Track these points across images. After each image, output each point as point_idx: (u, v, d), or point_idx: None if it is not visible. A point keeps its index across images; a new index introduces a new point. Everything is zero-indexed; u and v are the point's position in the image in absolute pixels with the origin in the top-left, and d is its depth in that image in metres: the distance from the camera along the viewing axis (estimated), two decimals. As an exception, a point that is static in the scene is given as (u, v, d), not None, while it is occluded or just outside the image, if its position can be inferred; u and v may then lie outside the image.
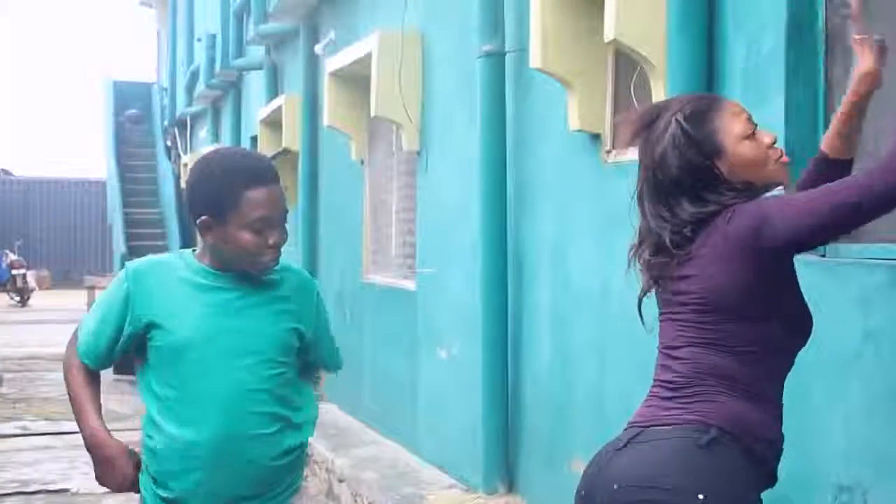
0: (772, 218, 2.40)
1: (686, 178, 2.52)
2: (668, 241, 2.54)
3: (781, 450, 2.57)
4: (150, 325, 2.90)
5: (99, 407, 3.00)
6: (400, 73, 7.08)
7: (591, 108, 4.94)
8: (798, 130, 3.59)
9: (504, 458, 5.82)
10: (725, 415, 2.44)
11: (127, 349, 2.98)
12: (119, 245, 19.82)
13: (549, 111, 5.36)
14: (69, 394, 3.04)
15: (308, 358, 3.14)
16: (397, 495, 6.35)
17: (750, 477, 2.45)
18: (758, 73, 3.75)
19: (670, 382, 2.55)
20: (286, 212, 2.94)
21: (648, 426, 2.50)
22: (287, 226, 2.97)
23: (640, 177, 2.65)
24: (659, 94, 4.25)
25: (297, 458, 3.05)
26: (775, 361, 2.53)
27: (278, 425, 2.95)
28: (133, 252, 19.27)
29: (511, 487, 5.82)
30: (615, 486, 2.44)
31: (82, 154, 64.67)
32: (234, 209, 2.82)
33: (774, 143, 2.54)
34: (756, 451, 2.47)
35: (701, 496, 2.35)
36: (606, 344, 4.86)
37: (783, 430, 2.58)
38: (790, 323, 2.52)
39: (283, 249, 2.96)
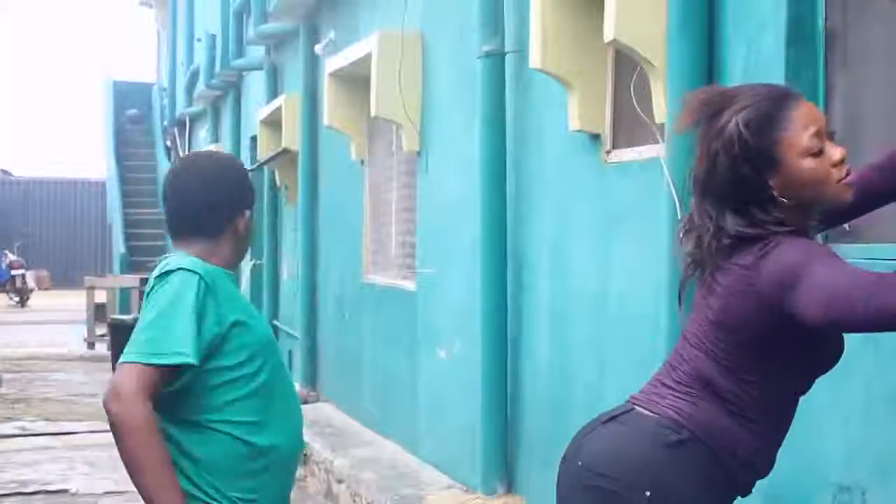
0: (799, 287, 2.22)
1: (734, 190, 2.35)
2: (706, 244, 2.39)
3: (761, 472, 2.49)
4: (235, 323, 2.75)
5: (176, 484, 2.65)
6: (400, 73, 7.08)
7: (590, 108, 4.94)
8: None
9: (503, 458, 5.82)
10: (703, 421, 2.40)
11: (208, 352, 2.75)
12: (119, 245, 19.82)
13: (549, 111, 5.36)
14: (142, 458, 2.57)
15: None
16: (396, 496, 6.35)
17: (712, 486, 2.40)
18: (758, 73, 3.75)
19: (674, 371, 2.51)
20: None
21: (637, 407, 2.50)
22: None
23: (696, 162, 2.43)
24: (659, 94, 4.25)
25: None
26: (778, 393, 2.44)
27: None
28: (133, 252, 19.29)
29: (510, 488, 5.82)
30: (579, 464, 2.48)
31: (82, 154, 64.70)
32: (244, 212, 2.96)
33: (843, 160, 2.32)
34: (725, 464, 2.41)
35: (648, 493, 2.35)
36: (606, 344, 4.85)
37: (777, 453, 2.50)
38: (801, 368, 2.44)
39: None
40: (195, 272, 2.70)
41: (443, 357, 6.80)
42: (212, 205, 2.87)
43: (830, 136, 2.33)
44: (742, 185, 2.33)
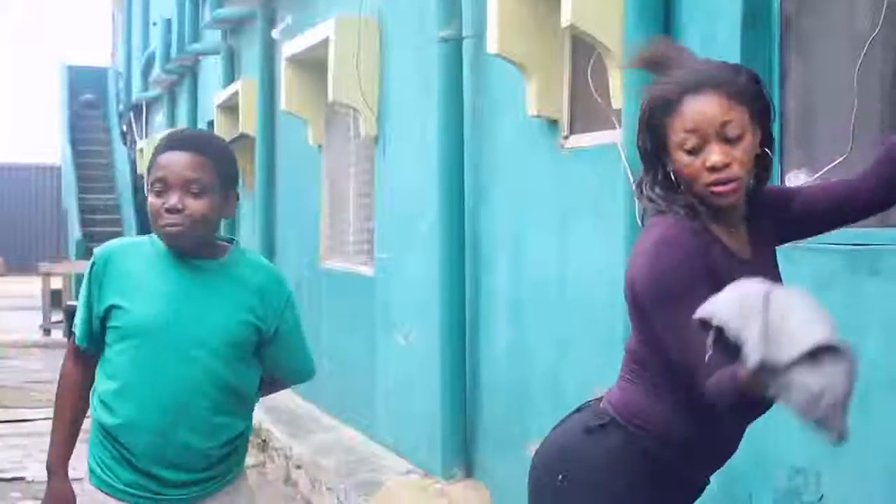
0: (637, 285, 2.33)
1: (640, 154, 2.44)
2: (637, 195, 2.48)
3: (708, 464, 2.46)
4: (111, 307, 2.90)
5: (74, 434, 3.02)
6: (357, 58, 7.06)
7: (548, 93, 4.95)
8: (753, 116, 3.60)
9: (462, 443, 5.83)
10: (624, 404, 2.42)
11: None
12: (74, 231, 19.63)
13: (507, 97, 5.36)
14: (55, 405, 3.05)
15: (265, 363, 3.07)
16: (355, 481, 6.35)
17: (630, 470, 2.39)
18: (711, 55, 3.75)
19: (623, 361, 2.52)
20: (198, 182, 2.83)
21: (589, 403, 2.55)
22: (206, 201, 2.85)
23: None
24: (615, 79, 4.26)
25: (239, 447, 3.04)
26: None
27: (222, 417, 2.94)
28: (88, 238, 19.12)
29: (469, 472, 5.83)
30: (532, 454, 2.57)
31: (36, 139, 64.04)
32: (147, 176, 2.91)
33: (715, 168, 2.29)
34: (649, 448, 2.39)
35: (560, 476, 2.42)
36: (563, 329, 4.87)
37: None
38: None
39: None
40: (98, 250, 2.98)
41: (401, 342, 6.80)
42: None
43: (728, 139, 2.29)
44: (643, 152, 2.42)
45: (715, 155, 2.28)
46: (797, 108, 3.68)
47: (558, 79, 4.97)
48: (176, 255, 2.92)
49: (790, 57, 3.66)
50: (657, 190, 2.38)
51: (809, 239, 3.28)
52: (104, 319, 2.93)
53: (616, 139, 4.27)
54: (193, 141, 2.93)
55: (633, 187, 2.49)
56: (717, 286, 2.18)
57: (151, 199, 2.86)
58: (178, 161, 2.84)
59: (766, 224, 2.46)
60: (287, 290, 3.05)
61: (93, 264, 2.95)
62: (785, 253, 3.34)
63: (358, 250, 8.00)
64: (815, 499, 3.29)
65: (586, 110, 4.79)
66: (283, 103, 8.76)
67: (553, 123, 4.97)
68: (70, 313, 13.98)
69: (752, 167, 2.34)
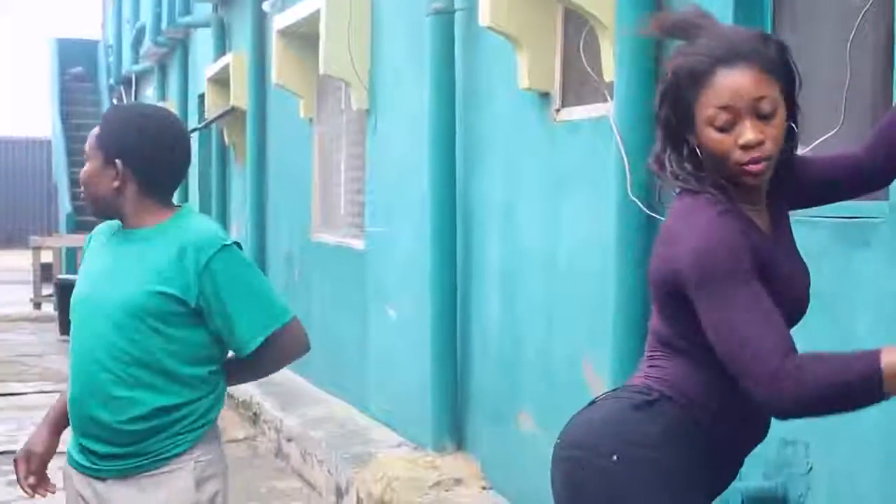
0: (684, 267, 2.19)
1: (660, 125, 2.32)
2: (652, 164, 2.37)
3: (740, 424, 2.35)
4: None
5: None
6: (349, 30, 7.03)
7: (540, 66, 4.94)
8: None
9: (453, 416, 5.85)
10: (671, 378, 2.31)
11: None
12: (65, 205, 19.58)
13: (499, 69, 5.35)
14: None
15: (214, 330, 2.91)
16: (346, 454, 6.37)
17: (685, 445, 2.29)
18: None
19: (649, 336, 2.42)
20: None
21: (619, 388, 2.44)
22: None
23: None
24: (608, 52, 4.25)
25: (167, 425, 2.88)
26: None
27: (125, 391, 2.86)
28: (79, 212, 19.07)
29: (460, 445, 5.85)
30: (557, 442, 2.41)
31: (26, 113, 63.81)
32: None
33: (749, 146, 2.19)
34: (699, 420, 2.29)
35: (615, 457, 2.27)
36: (555, 302, 4.88)
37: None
38: None
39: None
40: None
41: (392, 315, 6.81)
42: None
43: (761, 115, 2.19)
44: (665, 126, 2.30)
45: (749, 132, 2.18)
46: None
47: (550, 52, 4.96)
48: (120, 229, 2.99)
49: (782, 31, 3.65)
50: (686, 167, 2.27)
51: (798, 211, 3.29)
52: None
53: (608, 112, 4.27)
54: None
55: (651, 162, 2.35)
56: (760, 258, 2.18)
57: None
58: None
59: (780, 195, 2.38)
60: (207, 255, 2.85)
61: (88, 240, 3.15)
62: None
63: (349, 223, 8.00)
64: (804, 470, 3.31)
65: (578, 83, 4.79)
66: (274, 76, 8.74)
67: (545, 96, 4.96)
68: (60, 287, 13.98)
69: (782, 143, 2.24)
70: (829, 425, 3.19)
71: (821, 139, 3.34)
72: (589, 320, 4.50)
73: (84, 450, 2.96)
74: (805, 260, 3.10)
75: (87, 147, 2.99)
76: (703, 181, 2.25)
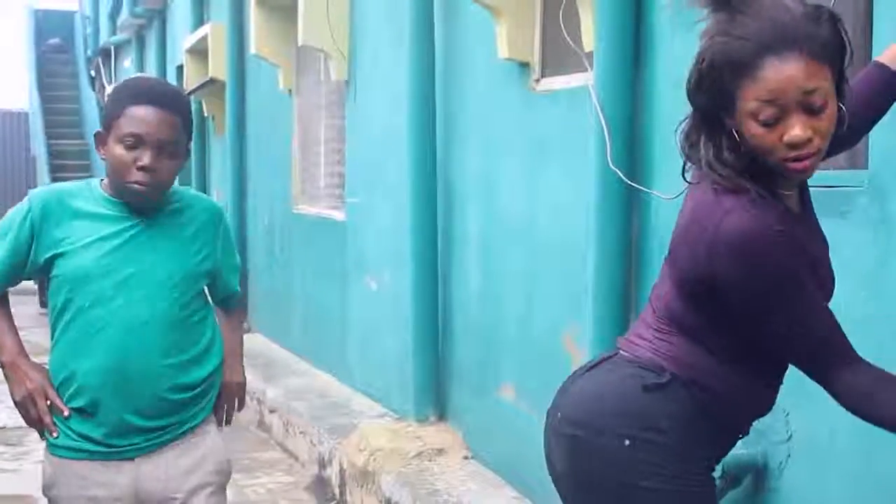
0: (726, 285, 2.10)
1: (699, 114, 2.14)
2: (681, 147, 2.20)
3: (747, 405, 2.33)
4: (54, 256, 2.92)
5: (13, 327, 3.07)
6: (327, 1, 6.99)
7: (519, 36, 4.92)
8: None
9: (434, 386, 5.86)
10: (684, 361, 2.24)
11: (29, 277, 3.04)
12: (44, 177, 19.47)
13: (478, 39, 5.33)
14: None
15: (216, 288, 3.18)
16: (328, 425, 6.38)
17: (699, 429, 2.25)
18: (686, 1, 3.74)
19: (653, 309, 2.33)
20: (173, 143, 2.88)
21: (621, 351, 2.34)
22: (177, 162, 2.92)
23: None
24: (588, 22, 4.24)
25: (204, 389, 3.07)
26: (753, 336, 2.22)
27: (177, 358, 2.97)
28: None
29: (442, 415, 5.87)
30: (559, 415, 2.35)
31: (2, 85, 63.30)
32: (115, 122, 2.86)
33: (796, 144, 2.02)
34: (710, 405, 2.25)
35: (627, 442, 2.22)
36: (535, 273, 4.88)
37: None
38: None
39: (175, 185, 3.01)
40: (33, 197, 2.97)
41: (373, 287, 6.81)
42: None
43: (810, 108, 2.02)
44: (701, 111, 2.13)
45: (797, 129, 2.01)
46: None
47: (530, 21, 4.94)
48: (118, 201, 2.94)
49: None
50: (725, 158, 2.10)
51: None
52: (42, 269, 2.95)
53: (588, 82, 4.26)
54: (168, 98, 2.91)
55: (682, 141, 2.18)
56: (804, 250, 2.12)
57: (119, 151, 2.85)
58: (155, 118, 2.84)
59: None
60: (222, 220, 3.12)
61: (28, 210, 2.94)
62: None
63: (329, 195, 7.98)
64: (784, 437, 3.33)
65: (558, 53, 4.77)
66: (252, 47, 8.69)
67: (524, 66, 4.95)
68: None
69: (832, 134, 2.07)
70: (809, 393, 3.21)
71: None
72: (569, 291, 4.51)
73: (113, 432, 2.94)
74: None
75: (166, 136, 2.86)
76: (741, 175, 2.09)
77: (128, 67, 16.54)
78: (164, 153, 2.86)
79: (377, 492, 5.39)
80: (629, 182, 3.97)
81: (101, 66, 19.63)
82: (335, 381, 7.47)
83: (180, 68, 12.31)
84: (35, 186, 20.83)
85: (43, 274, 2.98)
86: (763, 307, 2.11)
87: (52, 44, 23.24)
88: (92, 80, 21.21)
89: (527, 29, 4.93)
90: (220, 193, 10.94)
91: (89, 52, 21.06)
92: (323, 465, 6.24)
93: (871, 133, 2.64)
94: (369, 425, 6.07)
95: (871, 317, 2.95)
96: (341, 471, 5.90)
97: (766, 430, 3.36)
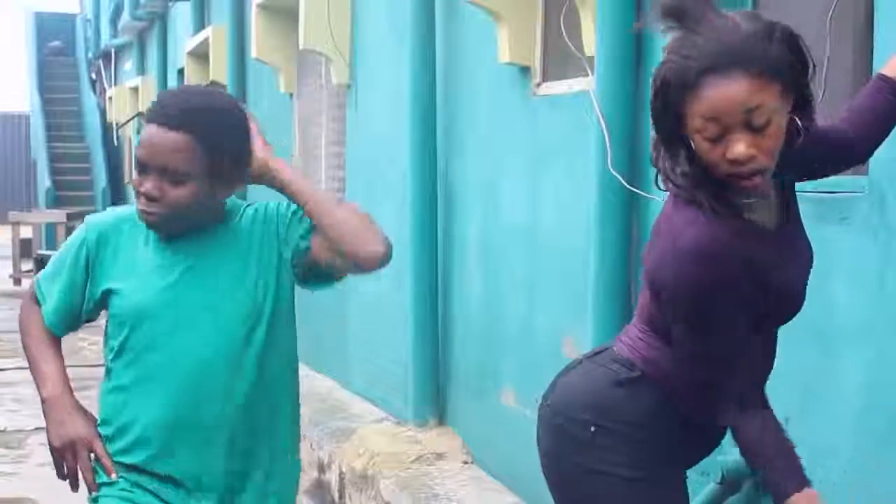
0: (665, 291, 2.22)
1: (653, 119, 2.19)
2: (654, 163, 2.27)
3: (703, 410, 2.33)
4: (108, 292, 2.58)
5: (62, 366, 2.68)
6: (329, 4, 7.00)
7: (521, 40, 4.92)
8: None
9: (434, 390, 5.86)
10: (654, 360, 2.34)
11: (92, 316, 2.69)
12: (44, 180, 19.49)
13: (480, 43, 5.33)
14: (26, 348, 2.70)
15: (318, 265, 2.67)
16: (328, 429, 6.38)
17: (664, 426, 2.33)
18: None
19: (638, 308, 2.43)
20: (177, 170, 2.46)
21: (608, 349, 2.45)
22: (192, 188, 2.49)
23: None
24: (589, 26, 4.24)
25: (288, 430, 2.78)
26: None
27: (247, 398, 2.59)
28: (58, 187, 18.98)
29: (441, 420, 5.86)
30: (546, 404, 2.47)
31: (4, 87, 63.37)
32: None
33: (738, 161, 2.05)
34: (674, 403, 2.33)
35: (592, 429, 2.33)
36: (536, 277, 4.88)
37: None
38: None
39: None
40: (88, 225, 2.65)
41: (373, 291, 6.80)
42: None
43: (752, 127, 2.03)
44: (659, 128, 2.18)
45: (738, 147, 2.04)
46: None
47: (531, 25, 4.94)
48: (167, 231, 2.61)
49: (764, 5, 3.65)
50: (680, 172, 2.15)
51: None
52: (100, 306, 2.63)
53: (589, 86, 4.26)
54: (180, 116, 2.46)
55: (653, 160, 2.24)
56: (756, 269, 2.15)
57: (135, 175, 2.54)
58: (152, 140, 2.46)
59: (785, 182, 2.29)
60: (273, 206, 2.70)
61: (83, 239, 2.61)
62: (756, 200, 3.35)
63: (330, 199, 7.97)
64: (783, 444, 3.32)
65: (559, 57, 4.77)
66: (253, 51, 8.69)
67: (525, 70, 4.95)
68: (41, 262, 13.93)
69: (779, 150, 2.09)
70: (808, 399, 3.21)
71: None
72: (570, 296, 4.51)
73: (174, 491, 2.58)
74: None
75: (168, 161, 2.47)
76: (696, 188, 2.13)
77: (129, 70, 16.55)
78: (165, 179, 2.47)
79: (377, 496, 5.38)
80: (630, 186, 3.97)
81: (102, 68, 19.65)
82: (335, 385, 7.46)
83: (181, 71, 12.32)
84: (35, 189, 20.77)
85: (100, 312, 2.66)
86: (681, 316, 2.21)
87: (53, 46, 23.28)
88: (93, 82, 21.23)
89: (528, 33, 4.93)
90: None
91: (90, 55, 21.09)
92: (322, 469, 6.23)
93: (871, 139, 2.64)
94: (369, 429, 6.07)
95: (872, 322, 2.95)
96: (341, 475, 5.90)
97: (767, 435, 3.36)
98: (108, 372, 2.63)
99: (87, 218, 2.68)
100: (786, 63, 2.05)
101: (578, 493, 2.39)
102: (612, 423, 2.33)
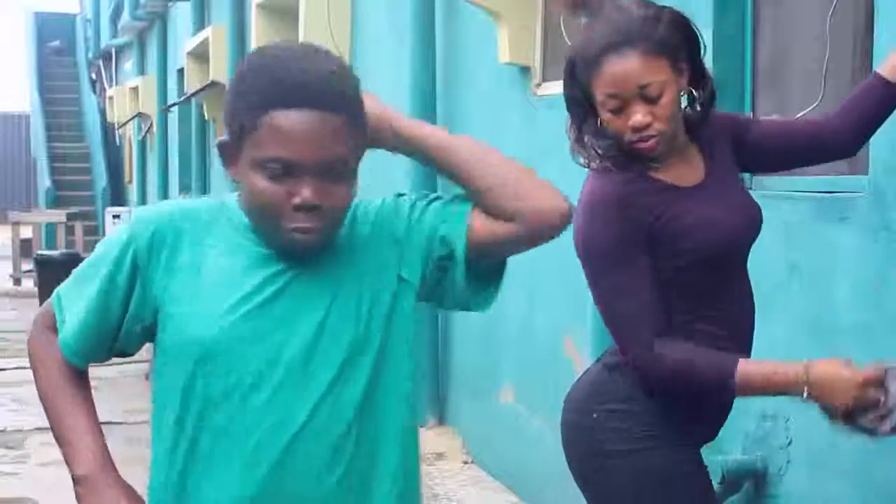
0: (576, 245, 2.45)
1: (571, 105, 2.46)
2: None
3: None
4: (162, 315, 1.86)
5: (95, 420, 1.94)
6: (328, 4, 7.00)
7: (520, 40, 4.92)
8: (726, 58, 3.60)
9: (434, 390, 5.86)
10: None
11: (131, 343, 1.93)
12: (44, 180, 19.50)
13: (479, 43, 5.34)
14: (43, 395, 1.96)
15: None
16: (328, 429, 6.38)
17: (659, 401, 2.38)
18: (687, 6, 3.74)
19: None
20: (342, 160, 1.81)
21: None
22: (351, 184, 1.88)
23: None
24: (588, 26, 4.24)
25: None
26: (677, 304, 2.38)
27: (351, 469, 1.86)
28: (58, 187, 18.98)
29: (441, 419, 5.86)
30: (564, 404, 2.54)
31: (3, 87, 63.41)
32: (250, 134, 1.78)
33: (637, 129, 2.32)
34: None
35: (595, 415, 2.43)
36: (536, 277, 4.88)
37: None
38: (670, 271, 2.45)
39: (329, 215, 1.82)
40: (137, 220, 1.90)
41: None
42: None
43: (649, 98, 2.30)
44: (571, 103, 2.44)
45: (636, 116, 2.31)
46: (770, 57, 3.68)
47: (531, 26, 4.95)
48: (265, 245, 1.87)
49: (763, 6, 3.65)
50: (587, 141, 2.43)
51: (779, 186, 3.30)
52: (147, 333, 1.89)
53: (588, 87, 4.26)
54: (332, 92, 1.78)
55: (569, 138, 2.51)
56: (659, 223, 2.32)
57: (260, 182, 1.77)
58: (309, 128, 1.75)
59: (723, 148, 2.47)
60: (389, 200, 2.09)
61: (128, 241, 1.86)
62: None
63: (330, 199, 7.98)
64: (784, 443, 3.33)
65: (559, 57, 4.77)
66: (253, 50, 8.70)
67: (525, 70, 4.95)
68: (41, 262, 13.92)
69: (676, 114, 2.35)
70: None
71: (801, 113, 3.35)
72: (570, 296, 4.51)
73: None
74: (785, 233, 3.11)
75: (331, 152, 1.79)
76: (605, 154, 2.40)
77: (128, 70, 16.56)
78: (329, 178, 1.80)
79: (377, 496, 5.38)
80: (630, 187, 3.96)
81: (102, 68, 19.66)
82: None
83: (181, 71, 12.32)
84: (35, 189, 20.70)
85: (147, 340, 1.92)
86: (587, 270, 2.49)
87: (53, 46, 23.30)
88: (93, 82, 21.24)
89: (528, 33, 4.94)
90: (220, 198, 10.95)
91: (90, 55, 21.09)
92: (322, 468, 6.24)
93: (871, 139, 2.65)
94: (369, 429, 6.07)
95: (872, 322, 2.95)
96: (341, 475, 5.90)
97: (766, 435, 3.36)
98: (160, 429, 1.89)
99: (136, 211, 1.96)
100: (673, 42, 2.33)
101: (601, 478, 2.45)
102: (611, 404, 2.42)
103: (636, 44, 2.29)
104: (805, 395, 2.26)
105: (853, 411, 2.23)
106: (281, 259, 1.84)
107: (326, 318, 1.85)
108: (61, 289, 1.97)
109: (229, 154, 1.85)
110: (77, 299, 1.91)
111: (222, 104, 1.87)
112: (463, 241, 1.95)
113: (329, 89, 1.78)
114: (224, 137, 1.86)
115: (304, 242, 1.80)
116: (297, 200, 1.76)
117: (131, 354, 1.98)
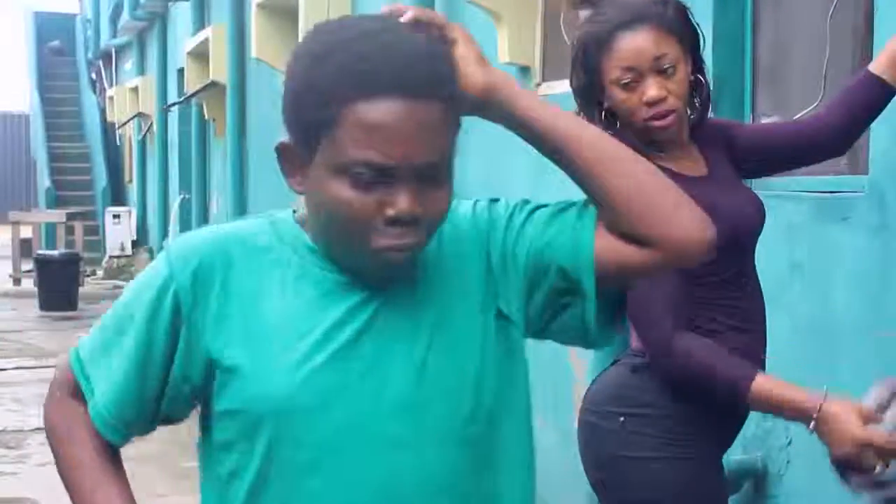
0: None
1: (581, 93, 2.46)
2: None
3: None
4: (220, 368, 1.49)
5: (131, 497, 1.58)
6: (328, 3, 7.00)
7: (520, 40, 4.93)
8: (726, 57, 3.60)
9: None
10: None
11: (179, 407, 1.57)
12: (44, 180, 19.50)
13: (480, 43, 5.31)
14: (68, 477, 1.58)
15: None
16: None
17: (684, 401, 2.36)
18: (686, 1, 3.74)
19: None
20: (437, 162, 1.48)
21: (631, 346, 2.52)
22: (451, 186, 1.53)
23: None
24: (588, 26, 4.24)
25: None
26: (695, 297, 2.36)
27: None
28: (58, 187, 18.98)
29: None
30: (583, 407, 2.53)
31: (3, 87, 63.46)
32: (328, 133, 1.44)
33: (653, 102, 2.33)
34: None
35: (622, 419, 2.40)
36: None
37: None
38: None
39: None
40: (173, 255, 1.52)
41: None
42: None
43: (662, 71, 2.34)
44: (579, 92, 2.44)
45: (652, 89, 2.34)
46: (770, 57, 3.68)
47: (531, 25, 4.95)
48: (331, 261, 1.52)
49: (763, 5, 3.65)
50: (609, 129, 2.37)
51: (779, 187, 3.30)
52: (199, 392, 1.53)
53: (588, 87, 4.26)
54: (425, 79, 1.47)
55: None
56: None
57: (343, 191, 1.43)
58: (404, 123, 1.42)
59: (720, 153, 2.49)
60: (482, 208, 1.76)
61: (166, 280, 1.51)
62: (756, 200, 3.35)
63: (330, 199, 7.98)
64: (784, 443, 3.33)
65: (559, 57, 4.77)
66: (253, 50, 8.70)
67: (525, 70, 4.95)
68: (40, 262, 13.92)
69: (686, 96, 2.39)
70: (808, 399, 3.21)
71: (801, 113, 3.35)
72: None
73: None
74: (784, 234, 3.11)
75: (428, 151, 1.47)
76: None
77: (128, 70, 16.56)
78: (427, 181, 1.46)
79: (377, 496, 5.38)
80: (630, 186, 3.96)
81: (102, 68, 19.67)
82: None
83: (181, 71, 12.33)
84: (35, 189, 20.73)
85: (193, 405, 1.57)
86: None
87: (53, 46, 23.30)
88: (93, 82, 21.24)
89: (528, 32, 4.94)
90: (219, 197, 10.95)
91: (90, 55, 21.10)
92: (322, 468, 6.23)
93: (871, 138, 2.65)
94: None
95: (872, 322, 2.95)
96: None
97: (766, 435, 3.36)
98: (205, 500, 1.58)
99: (174, 243, 1.56)
100: (680, 24, 2.39)
101: (621, 483, 2.43)
102: (636, 408, 2.40)
103: (648, 20, 2.35)
104: (811, 426, 2.26)
105: (846, 463, 2.23)
106: (360, 286, 1.49)
107: (437, 364, 1.50)
108: (83, 347, 1.59)
109: (293, 159, 1.51)
110: (104, 361, 1.55)
111: (282, 98, 1.54)
112: (591, 272, 1.54)
113: (423, 71, 1.46)
114: (285, 139, 1.52)
115: (398, 262, 1.46)
116: (391, 212, 1.42)
117: (180, 421, 1.60)
